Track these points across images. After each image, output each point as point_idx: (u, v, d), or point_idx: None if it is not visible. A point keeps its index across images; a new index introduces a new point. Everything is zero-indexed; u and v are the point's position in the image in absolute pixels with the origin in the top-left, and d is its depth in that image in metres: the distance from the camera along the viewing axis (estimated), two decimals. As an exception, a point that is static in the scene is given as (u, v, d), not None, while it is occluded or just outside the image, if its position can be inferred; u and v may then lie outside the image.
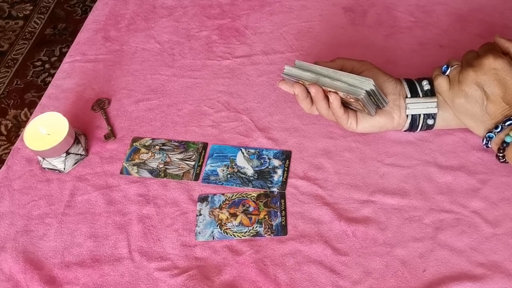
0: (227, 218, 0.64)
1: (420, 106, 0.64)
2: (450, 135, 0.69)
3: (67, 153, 0.69)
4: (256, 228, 0.63)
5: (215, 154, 0.71)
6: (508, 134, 0.57)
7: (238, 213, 0.64)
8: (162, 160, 0.71)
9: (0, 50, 1.86)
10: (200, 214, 0.65)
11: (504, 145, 0.58)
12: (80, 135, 0.72)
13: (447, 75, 0.63)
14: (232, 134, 0.73)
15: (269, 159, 0.69)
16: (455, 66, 0.62)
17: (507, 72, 0.57)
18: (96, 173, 0.70)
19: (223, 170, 0.69)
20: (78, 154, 0.71)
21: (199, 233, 0.63)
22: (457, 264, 0.58)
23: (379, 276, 0.58)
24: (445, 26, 0.83)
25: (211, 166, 0.69)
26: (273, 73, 0.80)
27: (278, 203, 0.65)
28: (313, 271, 0.59)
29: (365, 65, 0.66)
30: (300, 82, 0.62)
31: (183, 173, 0.69)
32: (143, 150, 0.72)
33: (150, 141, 0.73)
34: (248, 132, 0.73)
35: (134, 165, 0.70)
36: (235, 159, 0.70)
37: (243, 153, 0.70)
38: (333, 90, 0.60)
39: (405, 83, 0.65)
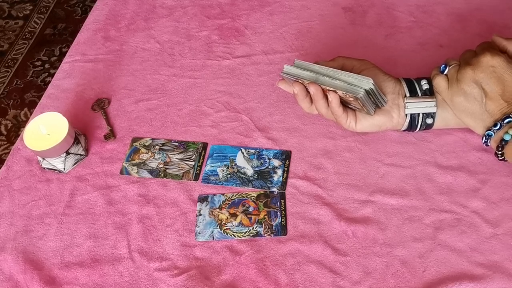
0: (227, 218, 0.64)
1: (419, 106, 0.64)
2: (450, 135, 0.69)
3: (67, 153, 0.69)
4: (256, 228, 0.63)
5: (215, 154, 0.71)
6: (507, 132, 0.57)
7: (238, 213, 0.64)
8: (162, 160, 0.71)
9: (0, 50, 1.86)
10: (200, 214, 0.65)
11: (503, 143, 0.58)
12: (80, 135, 0.72)
13: (446, 74, 0.63)
14: (232, 134, 0.73)
15: (269, 159, 0.69)
16: (453, 65, 0.63)
17: (505, 69, 0.57)
18: (96, 173, 0.70)
19: (223, 170, 0.69)
20: (78, 154, 0.71)
21: (199, 233, 0.63)
22: (457, 264, 0.58)
23: (379, 276, 0.58)
24: (445, 26, 0.83)
25: (211, 166, 0.69)
26: (273, 73, 0.80)
27: (278, 203, 0.65)
28: (313, 271, 0.59)
29: (365, 64, 0.66)
30: (300, 81, 0.62)
31: (183, 173, 0.69)
32: (143, 150, 0.72)
33: (150, 141, 0.73)
34: (248, 132, 0.73)
35: (134, 165, 0.70)
36: (235, 159, 0.70)
37: (243, 153, 0.70)
38: (332, 89, 0.60)
39: (404, 83, 0.65)
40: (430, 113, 0.64)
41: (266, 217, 0.64)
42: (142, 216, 0.65)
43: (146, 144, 0.73)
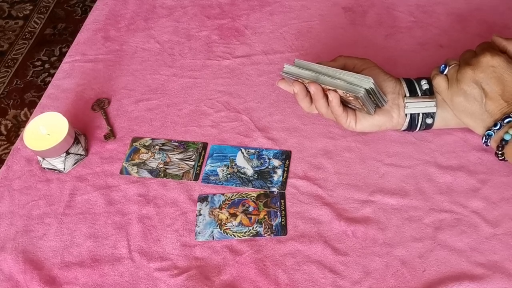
0: (227, 218, 0.64)
1: (419, 105, 0.64)
2: (450, 135, 0.69)
3: (67, 153, 0.69)
4: (256, 228, 0.63)
5: (215, 154, 0.71)
6: (507, 132, 0.57)
7: (238, 213, 0.64)
8: (162, 160, 0.71)
9: (0, 50, 1.86)
10: (200, 214, 0.65)
11: (503, 142, 0.58)
12: (80, 135, 0.72)
13: (445, 75, 0.63)
14: (232, 134, 0.73)
15: (269, 159, 0.69)
16: (453, 65, 0.63)
17: (504, 69, 0.57)
18: (96, 173, 0.70)
19: (223, 170, 0.69)
20: (78, 154, 0.71)
21: (199, 233, 0.63)
22: (457, 264, 0.58)
23: (379, 276, 0.58)
24: (445, 26, 0.83)
25: (211, 166, 0.69)
26: (273, 73, 0.80)
27: (278, 203, 0.65)
28: (313, 271, 0.59)
29: (367, 63, 0.66)
30: (300, 80, 0.62)
31: (183, 173, 0.69)
32: (143, 150, 0.72)
33: (150, 141, 0.73)
34: (248, 132, 0.73)
35: (134, 165, 0.70)
36: (235, 159, 0.70)
37: (243, 153, 0.70)
38: (332, 88, 0.60)
39: (404, 83, 0.65)
40: (430, 113, 0.64)
41: (266, 217, 0.64)
42: (142, 216, 0.65)
43: (146, 144, 0.73)
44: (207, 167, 0.69)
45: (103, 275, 0.61)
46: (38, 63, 1.81)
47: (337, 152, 0.69)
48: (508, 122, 0.57)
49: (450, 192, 0.64)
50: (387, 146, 0.69)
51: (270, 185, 0.66)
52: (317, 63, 0.62)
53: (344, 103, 0.63)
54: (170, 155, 0.71)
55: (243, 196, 0.66)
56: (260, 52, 0.83)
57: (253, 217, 0.64)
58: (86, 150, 0.72)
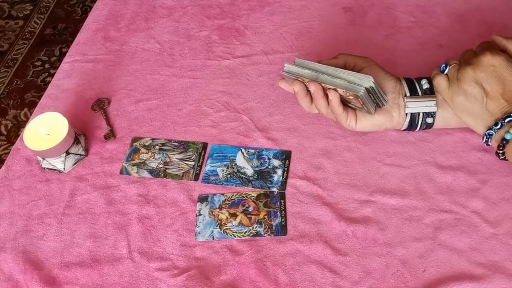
0: (227, 218, 0.64)
1: (419, 105, 0.64)
2: (450, 135, 0.69)
3: (67, 153, 0.69)
4: (256, 228, 0.63)
5: (215, 154, 0.71)
6: (508, 131, 0.57)
7: (238, 213, 0.64)
8: (162, 160, 0.71)
9: (0, 50, 1.86)
10: (200, 214, 0.65)
11: (504, 142, 0.58)
12: (80, 135, 0.72)
13: (446, 74, 0.63)
14: (232, 134, 0.73)
15: (269, 159, 0.69)
16: (453, 65, 0.63)
17: (505, 68, 0.57)
18: (96, 173, 0.70)
19: (223, 170, 0.69)
20: (78, 154, 0.71)
21: (199, 233, 0.63)
22: (457, 264, 0.58)
23: (379, 276, 0.58)
24: (445, 26, 0.83)
25: (211, 166, 0.69)
26: (273, 73, 0.80)
27: (278, 203, 0.65)
28: (313, 271, 0.59)
29: (367, 62, 0.66)
30: (300, 79, 0.62)
31: (183, 173, 0.69)
32: (143, 150, 0.72)
33: (150, 141, 0.73)
34: (248, 132, 0.73)
35: (134, 165, 0.70)
36: (235, 159, 0.70)
37: (243, 153, 0.70)
38: (332, 88, 0.60)
39: (404, 82, 0.65)
40: (430, 112, 0.64)
41: (266, 217, 0.64)
42: (142, 216, 0.65)
43: (146, 144, 0.73)
44: (207, 167, 0.69)
45: (103, 275, 0.61)
46: (38, 63, 1.81)
47: (337, 152, 0.69)
48: (509, 122, 0.57)
49: (450, 192, 0.64)
50: (387, 146, 0.69)
51: (270, 185, 0.66)
52: (318, 61, 0.62)
53: (345, 103, 0.63)
54: (170, 155, 0.71)
55: (243, 196, 0.66)
56: (260, 52, 0.83)
57: (253, 217, 0.64)
58: (86, 150, 0.72)
